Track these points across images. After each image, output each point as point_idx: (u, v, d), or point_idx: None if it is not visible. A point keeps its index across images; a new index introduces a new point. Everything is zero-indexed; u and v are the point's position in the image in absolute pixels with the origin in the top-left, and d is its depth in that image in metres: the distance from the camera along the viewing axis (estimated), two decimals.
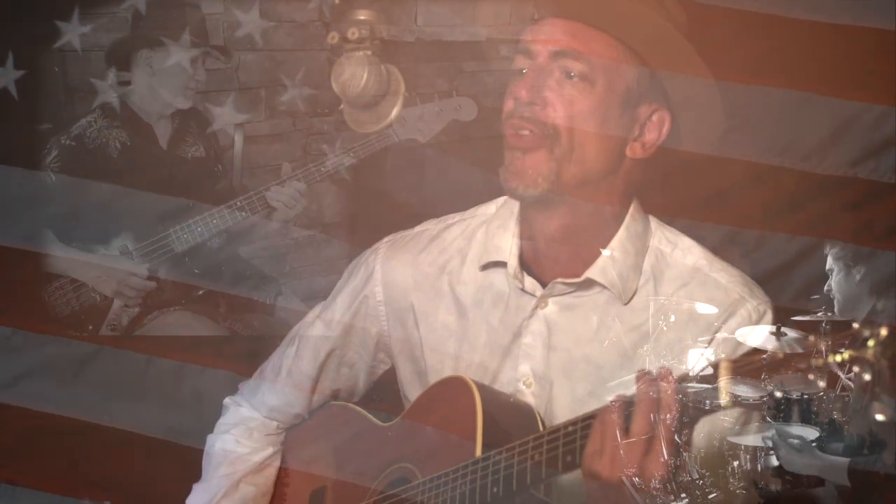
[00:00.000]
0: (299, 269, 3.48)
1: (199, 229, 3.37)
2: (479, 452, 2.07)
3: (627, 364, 2.13)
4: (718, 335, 2.12)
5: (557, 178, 2.12)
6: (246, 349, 2.64)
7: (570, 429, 1.93)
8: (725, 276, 2.21)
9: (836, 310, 2.34)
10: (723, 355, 2.10)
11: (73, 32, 3.30)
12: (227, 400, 2.57)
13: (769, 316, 2.18)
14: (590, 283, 2.19)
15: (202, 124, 3.43)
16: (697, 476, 1.87)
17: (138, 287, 3.36)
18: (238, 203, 3.37)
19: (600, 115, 2.12)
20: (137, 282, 3.36)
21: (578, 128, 2.11)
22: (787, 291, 2.91)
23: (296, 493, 2.44)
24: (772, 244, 3.03)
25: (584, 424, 1.91)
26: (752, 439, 1.79)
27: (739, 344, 2.07)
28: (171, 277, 3.37)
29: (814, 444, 1.70)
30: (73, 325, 3.37)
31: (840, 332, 1.71)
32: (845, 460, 1.70)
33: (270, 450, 2.49)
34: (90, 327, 3.37)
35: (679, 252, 2.23)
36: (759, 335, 1.93)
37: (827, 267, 2.93)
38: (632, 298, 2.18)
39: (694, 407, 1.84)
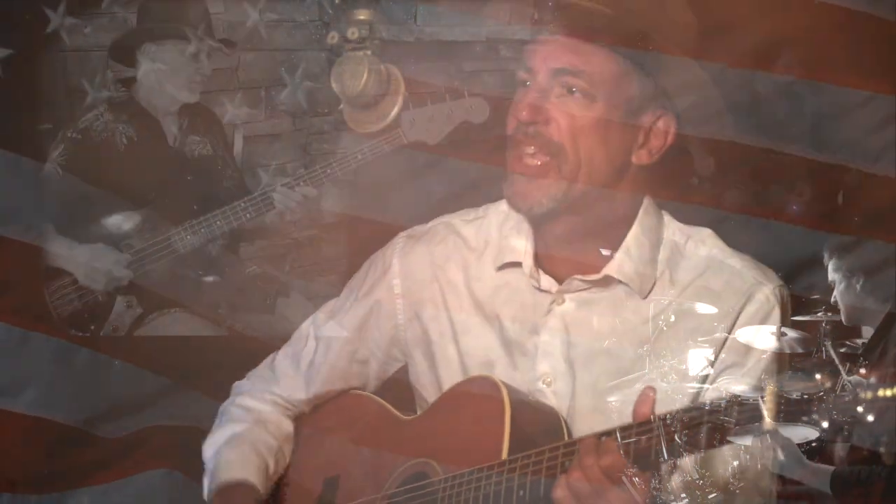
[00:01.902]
0: (299, 269, 3.48)
1: (202, 230, 3.35)
2: (505, 454, 2.07)
3: (648, 355, 2.14)
4: (738, 322, 2.13)
5: (566, 195, 2.13)
6: (246, 349, 2.64)
7: (604, 439, 1.93)
8: (739, 262, 2.22)
9: (843, 320, 2.37)
10: (728, 348, 2.12)
11: (61, 23, 3.28)
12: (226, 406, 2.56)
13: (787, 299, 2.18)
14: (608, 280, 2.20)
15: (209, 121, 3.42)
16: (697, 476, 1.87)
17: (125, 276, 3.33)
18: (242, 204, 3.36)
19: (603, 129, 2.13)
20: (124, 272, 3.33)
21: (582, 143, 2.12)
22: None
23: (309, 480, 2.43)
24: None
25: (622, 435, 1.91)
26: (752, 439, 1.79)
27: (758, 329, 2.09)
28: (171, 277, 3.36)
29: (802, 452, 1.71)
30: (76, 324, 3.36)
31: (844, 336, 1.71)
32: (829, 468, 1.71)
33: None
34: (92, 327, 3.37)
35: (692, 243, 2.25)
36: (761, 335, 1.94)
37: (829, 279, 2.94)
38: (650, 292, 2.19)
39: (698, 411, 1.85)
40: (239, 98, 3.42)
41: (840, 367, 1.65)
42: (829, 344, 1.70)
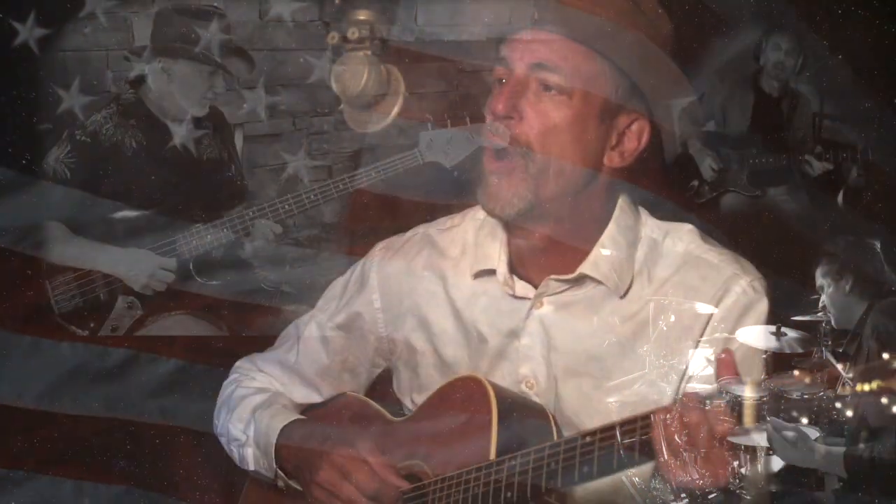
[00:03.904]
0: (299, 269, 3.48)
1: (208, 237, 3.34)
2: (493, 455, 2.07)
3: (629, 354, 2.14)
4: (715, 316, 2.13)
5: (535, 195, 2.12)
6: (248, 350, 2.64)
7: (588, 440, 1.93)
8: (716, 256, 2.21)
9: (833, 323, 2.36)
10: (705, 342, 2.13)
11: (29, 35, 3.25)
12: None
13: (764, 292, 2.18)
14: (583, 279, 2.20)
15: (218, 122, 3.40)
16: (697, 476, 1.87)
17: (167, 280, 3.32)
18: (250, 214, 3.33)
19: (577, 128, 2.12)
20: (167, 275, 3.32)
21: (554, 142, 2.11)
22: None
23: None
24: None
25: (603, 436, 1.91)
26: (752, 439, 1.79)
27: (736, 324, 2.09)
28: (178, 284, 3.35)
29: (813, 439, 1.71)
30: (75, 322, 3.35)
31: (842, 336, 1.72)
32: (841, 450, 1.71)
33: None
34: (91, 325, 3.36)
35: (670, 239, 2.24)
36: (760, 335, 1.93)
37: (817, 284, 2.95)
38: (628, 291, 2.19)
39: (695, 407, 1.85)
40: (238, 99, 3.42)
41: (840, 367, 1.65)
42: (827, 344, 1.71)
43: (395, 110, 3.38)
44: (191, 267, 3.36)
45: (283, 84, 3.43)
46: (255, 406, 2.41)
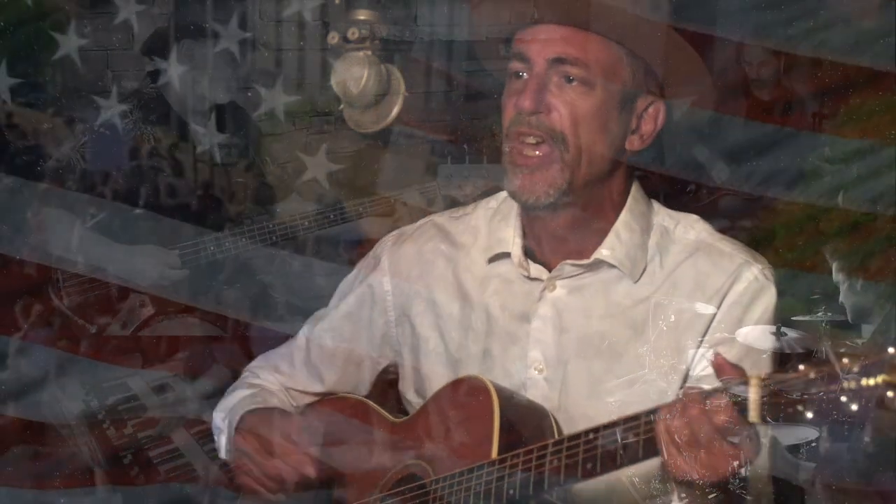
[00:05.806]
0: (299, 269, 3.48)
1: (227, 244, 3.31)
2: (495, 454, 2.08)
3: (640, 338, 2.16)
4: (726, 300, 2.15)
5: (569, 184, 2.15)
6: (250, 351, 2.65)
7: (592, 436, 1.94)
8: (728, 245, 2.24)
9: (849, 318, 2.34)
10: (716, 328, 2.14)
11: (72, 46, 3.24)
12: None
13: (773, 281, 2.20)
14: (598, 264, 2.22)
15: (239, 121, 3.39)
16: (700, 471, 1.87)
17: (176, 279, 3.29)
18: (269, 227, 3.28)
19: (602, 116, 2.15)
20: (176, 274, 3.30)
21: (583, 131, 2.14)
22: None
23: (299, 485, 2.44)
24: None
25: (606, 433, 1.92)
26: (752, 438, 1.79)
27: (747, 309, 2.11)
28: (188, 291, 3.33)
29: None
30: (84, 315, 3.33)
31: (844, 336, 1.72)
32: (810, 465, 1.71)
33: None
34: (100, 320, 3.35)
35: (681, 228, 2.27)
36: (760, 334, 1.94)
37: (834, 279, 2.96)
38: (641, 276, 2.21)
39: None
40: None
41: (838, 368, 1.66)
42: (828, 345, 1.71)
43: (395, 110, 3.38)
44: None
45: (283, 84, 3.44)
46: (241, 398, 2.43)
